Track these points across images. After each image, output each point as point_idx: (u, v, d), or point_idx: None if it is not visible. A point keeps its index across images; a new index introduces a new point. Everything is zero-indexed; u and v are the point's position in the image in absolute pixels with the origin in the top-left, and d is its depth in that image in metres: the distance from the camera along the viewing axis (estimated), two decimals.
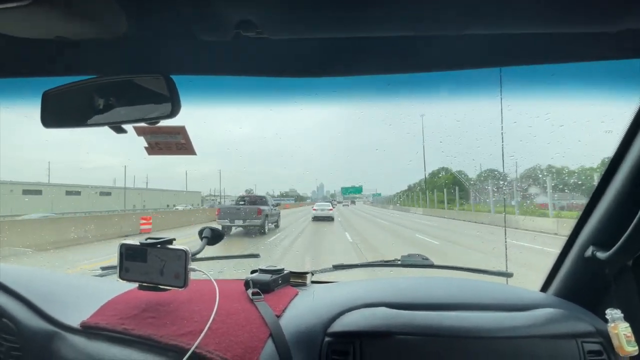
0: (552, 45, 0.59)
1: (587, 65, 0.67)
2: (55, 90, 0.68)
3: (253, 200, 10.91)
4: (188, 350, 0.66)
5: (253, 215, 9.47)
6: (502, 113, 1.16)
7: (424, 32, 0.53)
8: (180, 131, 0.82)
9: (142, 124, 0.70)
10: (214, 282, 0.84)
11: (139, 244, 0.83)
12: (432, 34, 0.55)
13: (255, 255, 1.27)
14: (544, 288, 0.96)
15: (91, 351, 0.72)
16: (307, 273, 1.06)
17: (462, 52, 0.61)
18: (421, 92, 0.75)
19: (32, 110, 0.72)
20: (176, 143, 0.85)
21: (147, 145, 0.86)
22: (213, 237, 1.03)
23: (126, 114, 0.64)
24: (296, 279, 1.06)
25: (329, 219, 14.24)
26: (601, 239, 0.77)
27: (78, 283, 1.03)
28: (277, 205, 12.65)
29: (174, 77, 0.62)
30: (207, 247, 1.00)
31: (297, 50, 0.60)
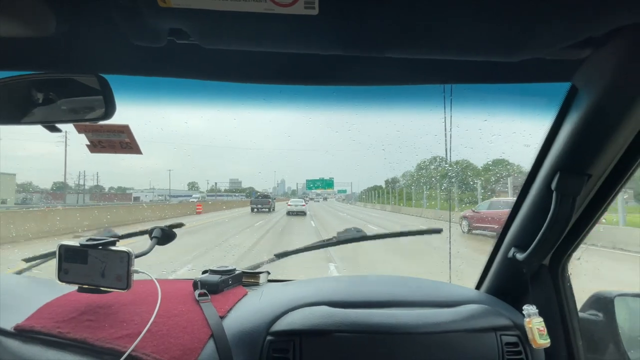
0: (477, 69, 0.65)
1: (510, 87, 0.74)
2: None
3: (265, 196, 21.32)
4: (124, 353, 0.66)
5: (266, 203, 19.86)
6: (445, 123, 1.24)
7: (355, 53, 0.56)
8: (124, 130, 0.81)
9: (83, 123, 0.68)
10: (157, 283, 0.83)
11: (79, 245, 0.81)
12: (359, 55, 0.58)
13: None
14: (478, 285, 1.04)
15: (25, 355, 0.70)
16: (261, 273, 1.08)
17: (394, 70, 0.65)
18: (364, 102, 0.79)
19: None
20: (120, 142, 0.83)
21: (89, 143, 0.83)
22: (163, 237, 1.02)
23: (61, 113, 0.62)
24: (249, 279, 1.07)
25: (302, 213, 17.23)
26: (520, 241, 0.85)
27: (14, 283, 0.98)
28: (274, 199, 23.32)
29: (111, 78, 0.61)
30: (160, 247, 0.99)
31: (233, 59, 0.61)
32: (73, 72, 0.60)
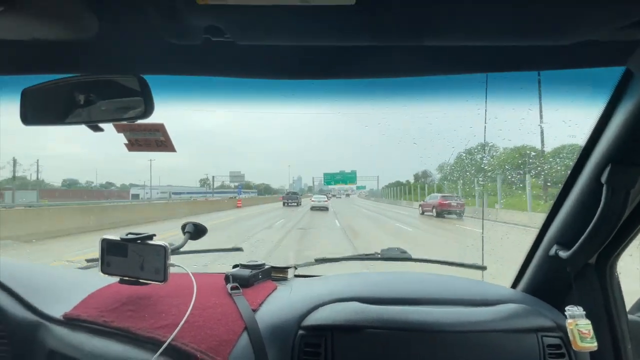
0: (520, 55, 0.61)
1: (555, 73, 0.69)
2: (35, 88, 0.69)
3: (294, 193, 26.84)
4: (164, 342, 0.68)
5: (295, 199, 23.68)
6: (486, 114, 1.18)
7: (393, 42, 0.55)
8: (160, 128, 0.83)
9: (122, 122, 0.71)
10: (192, 277, 0.86)
11: (119, 239, 0.85)
12: (397, 44, 0.56)
13: (239, 249, 1.29)
14: (515, 284, 1.00)
15: (73, 342, 0.75)
16: (289, 268, 1.09)
17: (429, 60, 0.63)
18: (395, 95, 0.77)
19: (12, 108, 0.73)
20: (155, 140, 0.86)
21: (127, 142, 0.87)
22: (196, 232, 1.05)
23: (102, 113, 0.65)
24: (277, 274, 1.08)
25: (325, 208, 18.80)
26: (564, 238, 0.80)
27: (62, 275, 1.05)
28: (301, 195, 28.29)
29: (148, 78, 0.63)
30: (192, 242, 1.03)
31: (266, 54, 0.61)
32: (113, 73, 0.62)
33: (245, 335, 0.75)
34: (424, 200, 15.00)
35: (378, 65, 0.64)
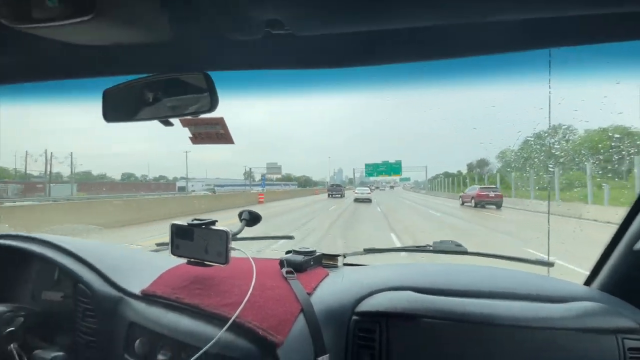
0: (600, 24, 0.54)
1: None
2: (114, 88, 0.77)
3: (338, 185, 29.57)
4: (229, 318, 0.74)
5: (339, 191, 25.93)
6: (550, 94, 1.07)
7: (453, 20, 0.52)
8: (219, 122, 0.89)
9: (187, 117, 0.77)
10: (252, 260, 0.91)
11: (187, 224, 0.93)
12: (460, 22, 0.53)
13: (290, 237, 1.34)
14: (588, 281, 0.91)
15: (150, 315, 0.84)
16: (338, 255, 1.11)
17: (493, 37, 0.58)
18: (453, 77, 0.73)
19: (94, 107, 0.82)
20: (216, 133, 0.92)
21: (191, 136, 0.94)
22: (251, 219, 1.11)
23: (173, 108, 0.71)
24: (328, 261, 1.11)
25: (367, 200, 19.36)
26: None
27: (138, 256, 1.18)
28: (345, 187, 31.39)
29: (212, 74, 0.67)
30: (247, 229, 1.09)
31: (324, 44, 0.61)
32: (182, 71, 0.67)
33: (301, 317, 0.78)
34: (463, 192, 15.90)
35: (434, 47, 0.61)
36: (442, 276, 0.92)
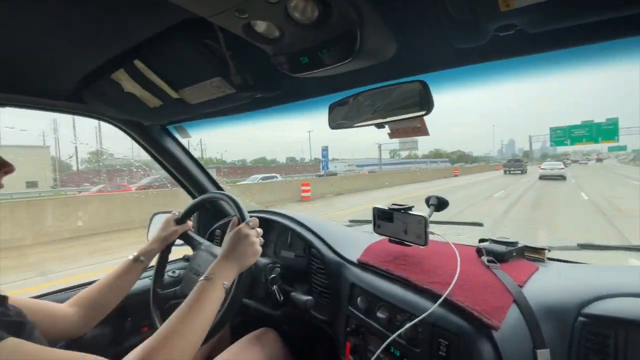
0: None
1: None
2: (337, 102, 0.97)
3: (517, 160, 26.54)
4: (440, 295, 0.83)
5: (518, 167, 24.40)
6: None
7: None
8: (418, 117, 0.96)
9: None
10: (452, 245, 0.98)
11: (387, 208, 1.08)
12: None
13: (479, 224, 1.32)
14: None
15: (365, 279, 1.05)
16: (543, 249, 1.02)
17: None
18: None
19: (319, 118, 1.06)
20: (413, 127, 1.00)
21: (389, 132, 1.06)
22: (439, 204, 1.17)
23: (391, 114, 0.83)
24: (531, 254, 1.04)
25: (560, 177, 15.21)
26: None
27: (340, 230, 1.45)
28: (526, 162, 28.10)
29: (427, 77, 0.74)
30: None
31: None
32: (403, 79, 0.77)
33: (514, 308, 0.78)
34: None
35: None
36: None
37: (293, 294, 1.18)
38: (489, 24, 0.54)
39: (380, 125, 0.90)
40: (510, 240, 1.02)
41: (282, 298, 1.25)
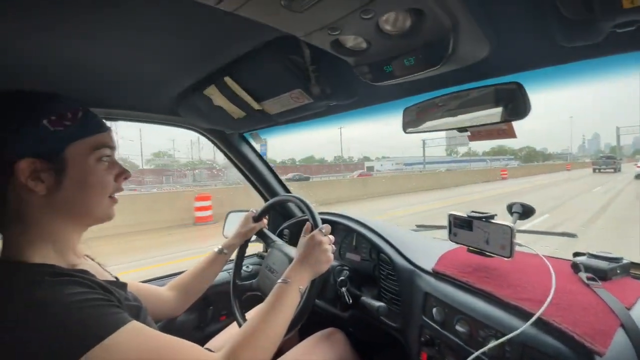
0: None
1: None
2: (412, 106, 0.95)
3: (609, 157, 25.92)
4: (531, 314, 0.76)
5: (610, 164, 24.52)
6: None
7: None
8: None
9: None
10: (544, 258, 0.89)
11: (465, 216, 1.03)
12: None
13: (572, 235, 1.18)
14: None
15: (442, 290, 0.99)
16: None
17: None
18: None
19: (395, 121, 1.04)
20: (497, 129, 0.93)
21: (469, 134, 1.00)
22: (524, 212, 1.07)
23: (476, 119, 0.78)
24: (637, 271, 0.90)
25: None
26: None
27: (408, 235, 1.40)
28: (620, 159, 28.15)
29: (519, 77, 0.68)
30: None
31: None
32: (489, 81, 0.73)
33: (621, 333, 0.69)
34: None
35: None
36: None
37: (363, 298, 1.19)
38: (608, 22, 0.49)
39: (462, 130, 0.86)
40: (613, 255, 0.89)
41: (350, 301, 1.26)
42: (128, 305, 0.68)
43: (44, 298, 0.52)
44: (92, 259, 0.80)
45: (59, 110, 0.62)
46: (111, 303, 0.58)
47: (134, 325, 0.58)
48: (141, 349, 0.56)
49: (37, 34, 0.65)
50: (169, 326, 1.37)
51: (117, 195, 0.72)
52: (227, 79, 0.93)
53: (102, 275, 0.74)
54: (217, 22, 0.66)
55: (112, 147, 0.70)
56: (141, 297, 0.79)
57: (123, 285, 0.75)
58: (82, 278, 0.59)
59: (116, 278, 0.79)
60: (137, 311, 0.72)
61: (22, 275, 0.56)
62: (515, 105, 0.69)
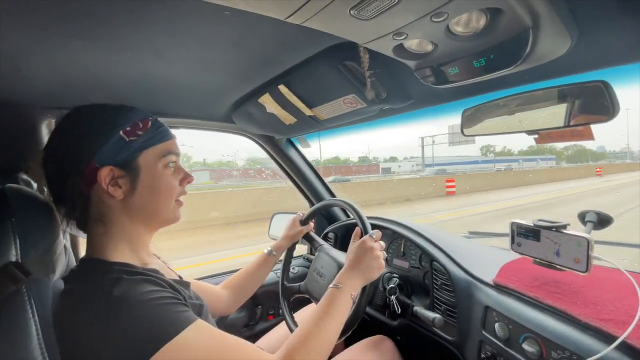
0: None
1: None
2: (472, 107, 0.90)
3: None
4: (615, 337, 0.68)
5: None
6: None
7: None
8: None
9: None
10: (627, 274, 0.79)
11: (532, 224, 0.95)
12: None
13: None
14: None
15: (505, 304, 0.91)
16: None
17: None
18: None
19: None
20: (571, 131, 0.85)
21: (536, 136, 0.92)
22: (599, 221, 0.97)
23: (548, 120, 0.72)
24: None
25: None
26: None
27: (460, 242, 1.33)
28: None
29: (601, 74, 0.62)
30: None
31: None
32: (566, 80, 0.67)
33: None
34: None
35: None
36: None
37: (416, 308, 1.15)
38: None
39: (531, 132, 0.79)
40: None
41: (399, 310, 1.23)
42: (192, 304, 0.71)
43: (121, 295, 0.56)
44: (158, 257, 0.86)
45: (132, 121, 0.68)
46: (180, 301, 0.61)
47: (200, 323, 0.60)
48: (207, 347, 0.58)
49: (109, 51, 0.70)
50: (222, 323, 1.43)
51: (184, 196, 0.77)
52: (282, 87, 0.96)
53: (168, 273, 0.79)
54: (276, 33, 0.68)
55: (178, 154, 0.75)
56: (200, 295, 0.83)
57: (187, 284, 0.79)
58: (154, 277, 0.63)
59: (180, 277, 0.84)
60: (200, 309, 0.75)
61: (103, 273, 0.61)
62: (598, 105, 0.62)
